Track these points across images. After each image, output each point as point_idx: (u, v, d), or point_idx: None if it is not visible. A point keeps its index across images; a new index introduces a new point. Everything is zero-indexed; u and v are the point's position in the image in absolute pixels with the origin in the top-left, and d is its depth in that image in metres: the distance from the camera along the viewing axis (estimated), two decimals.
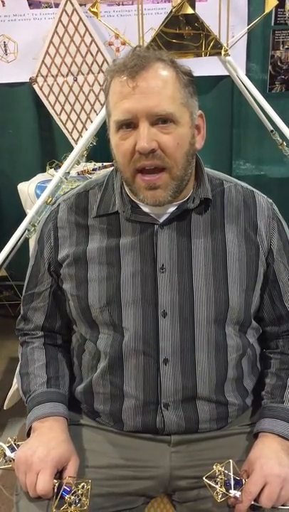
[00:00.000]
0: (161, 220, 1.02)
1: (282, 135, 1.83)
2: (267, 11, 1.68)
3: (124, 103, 0.91)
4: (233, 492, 0.89)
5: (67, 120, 2.31)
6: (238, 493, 0.89)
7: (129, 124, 0.92)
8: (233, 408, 1.05)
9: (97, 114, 2.10)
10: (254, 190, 1.10)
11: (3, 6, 2.18)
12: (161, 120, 0.91)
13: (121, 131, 0.93)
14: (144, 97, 0.90)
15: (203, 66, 1.85)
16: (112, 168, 1.10)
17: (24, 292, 1.16)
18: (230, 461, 0.92)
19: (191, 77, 0.96)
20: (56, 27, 2.16)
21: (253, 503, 0.89)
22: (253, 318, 1.08)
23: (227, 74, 1.82)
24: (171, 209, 1.01)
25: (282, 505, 0.91)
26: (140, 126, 0.91)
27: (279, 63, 2.22)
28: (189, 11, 1.60)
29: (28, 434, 1.02)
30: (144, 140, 0.90)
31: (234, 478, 0.90)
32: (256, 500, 0.89)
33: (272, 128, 1.91)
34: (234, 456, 0.98)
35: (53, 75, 2.24)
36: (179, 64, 0.95)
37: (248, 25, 2.01)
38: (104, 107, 0.99)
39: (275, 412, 1.01)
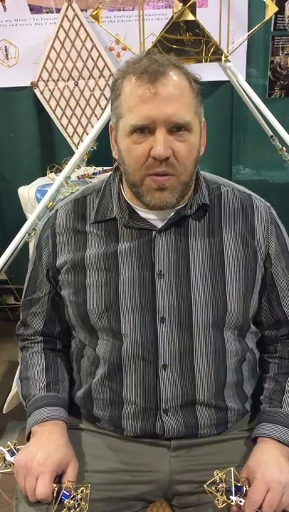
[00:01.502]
0: (158, 226, 1.02)
1: (281, 140, 1.84)
2: (267, 17, 1.69)
3: (144, 108, 0.90)
4: (234, 499, 0.89)
5: (68, 124, 2.31)
6: (240, 501, 0.89)
7: (143, 129, 0.92)
8: (233, 413, 1.05)
9: (97, 119, 2.11)
10: (252, 194, 1.10)
11: (5, 10, 2.19)
12: (176, 128, 0.92)
13: (135, 135, 0.93)
14: (164, 104, 0.90)
15: (203, 71, 1.85)
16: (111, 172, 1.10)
17: (23, 298, 1.16)
18: (232, 468, 0.92)
19: (200, 85, 0.97)
20: (57, 32, 2.17)
21: None
22: (252, 322, 1.08)
23: (227, 79, 1.83)
24: (169, 215, 1.01)
25: (283, 511, 0.91)
26: (157, 133, 0.91)
27: (278, 69, 2.23)
28: (190, 17, 1.61)
29: (28, 439, 1.02)
30: (162, 147, 0.90)
31: (235, 485, 0.90)
32: None
33: (271, 133, 1.91)
34: (234, 461, 0.98)
35: (54, 80, 2.24)
36: (189, 71, 0.96)
37: (248, 30, 2.02)
38: (113, 108, 0.98)
39: (273, 416, 1.01)
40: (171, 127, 0.92)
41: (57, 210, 1.10)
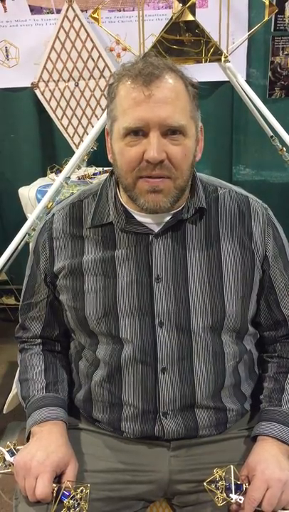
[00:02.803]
0: (156, 230, 1.01)
1: (282, 141, 1.84)
2: (267, 17, 1.69)
3: (138, 110, 0.90)
4: (234, 497, 0.89)
5: (68, 125, 2.32)
6: (239, 499, 0.89)
7: (137, 132, 0.92)
8: (232, 413, 1.05)
9: (98, 119, 2.12)
10: (249, 195, 1.09)
11: (5, 11, 2.20)
12: (170, 131, 0.91)
13: (128, 137, 0.92)
14: (158, 106, 0.89)
15: (203, 71, 1.85)
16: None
17: (21, 301, 1.15)
18: (231, 466, 0.92)
19: (196, 90, 0.97)
20: (58, 32, 2.17)
21: None
22: (250, 324, 1.08)
23: (227, 79, 1.83)
24: (166, 218, 1.01)
25: (283, 509, 0.91)
26: (151, 136, 0.90)
27: (279, 69, 2.23)
28: (190, 17, 1.61)
29: (28, 439, 1.02)
30: (155, 150, 0.90)
31: (235, 483, 0.90)
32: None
33: (272, 133, 1.91)
34: (233, 460, 0.98)
35: (54, 80, 2.25)
36: (186, 75, 0.95)
37: (249, 31, 2.02)
38: (108, 111, 0.98)
39: (272, 415, 1.01)
40: (166, 130, 0.91)
41: (53, 214, 1.09)
